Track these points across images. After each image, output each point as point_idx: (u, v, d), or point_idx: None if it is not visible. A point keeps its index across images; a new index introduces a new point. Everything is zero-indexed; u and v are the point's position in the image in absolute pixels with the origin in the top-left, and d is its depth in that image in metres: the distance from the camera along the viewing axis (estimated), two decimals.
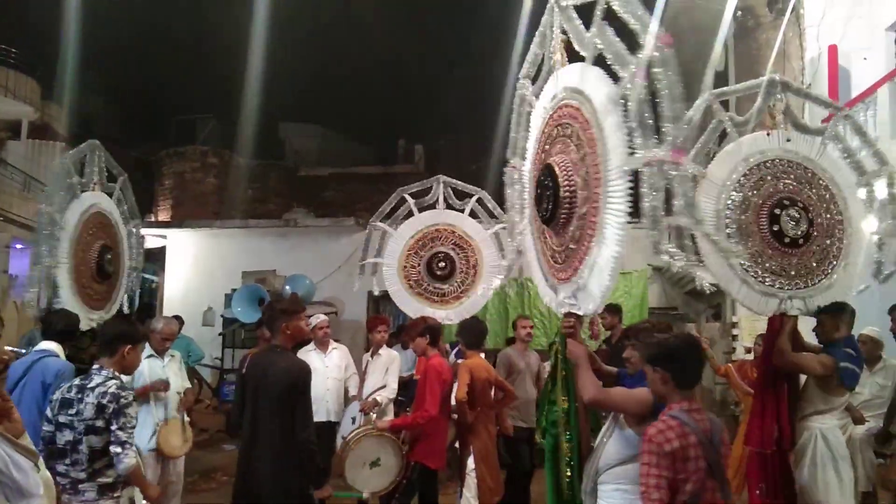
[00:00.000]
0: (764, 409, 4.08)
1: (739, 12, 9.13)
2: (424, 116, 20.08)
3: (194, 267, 13.08)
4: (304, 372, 3.73)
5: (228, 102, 17.23)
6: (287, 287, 11.55)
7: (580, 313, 3.20)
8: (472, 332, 5.17)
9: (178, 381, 5.25)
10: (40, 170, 17.25)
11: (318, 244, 12.59)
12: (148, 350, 5.14)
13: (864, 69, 8.21)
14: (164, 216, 16.96)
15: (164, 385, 4.96)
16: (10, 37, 17.60)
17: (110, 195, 6.11)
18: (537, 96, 3.72)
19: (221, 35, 18.29)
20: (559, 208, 3.19)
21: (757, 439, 4.08)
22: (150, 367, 5.09)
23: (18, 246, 16.66)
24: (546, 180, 3.27)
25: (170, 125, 19.50)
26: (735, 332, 9.36)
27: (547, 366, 4.97)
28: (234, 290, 11.40)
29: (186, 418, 5.22)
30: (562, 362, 3.35)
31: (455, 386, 4.81)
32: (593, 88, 3.05)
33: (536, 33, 3.66)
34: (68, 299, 5.38)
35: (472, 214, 6.67)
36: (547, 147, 3.46)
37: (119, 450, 3.17)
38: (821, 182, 4.09)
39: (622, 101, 2.81)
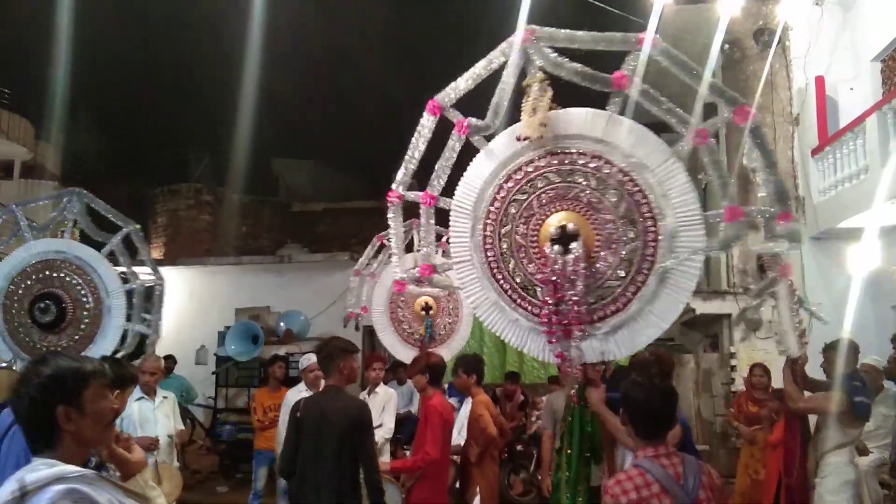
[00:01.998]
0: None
1: (727, 45, 9.27)
2: None
3: (187, 305, 12.96)
4: (365, 412, 3.69)
5: (221, 139, 17.34)
6: (281, 324, 11.44)
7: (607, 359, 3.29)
8: (478, 368, 5.15)
9: (170, 424, 5.14)
10: (32, 209, 17.17)
11: (312, 280, 12.52)
12: (138, 392, 5.03)
13: (851, 99, 8.32)
14: (157, 254, 16.86)
15: (152, 443, 4.83)
16: (4, 78, 17.70)
17: (102, 245, 5.93)
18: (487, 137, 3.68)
19: (214, 72, 18.46)
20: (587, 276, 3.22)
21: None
22: (139, 410, 4.98)
23: None
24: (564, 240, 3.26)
25: (163, 162, 19.53)
26: (733, 362, 9.30)
27: None
28: (227, 328, 11.28)
29: (176, 463, 5.10)
30: (576, 411, 3.38)
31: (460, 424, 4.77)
32: (645, 148, 3.23)
33: (508, 65, 3.53)
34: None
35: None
36: (531, 199, 3.45)
37: None
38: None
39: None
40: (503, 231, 3.49)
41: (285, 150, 20.85)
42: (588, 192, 3.29)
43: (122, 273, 5.96)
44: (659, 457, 2.47)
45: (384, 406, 5.88)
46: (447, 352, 6.37)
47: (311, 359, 6.05)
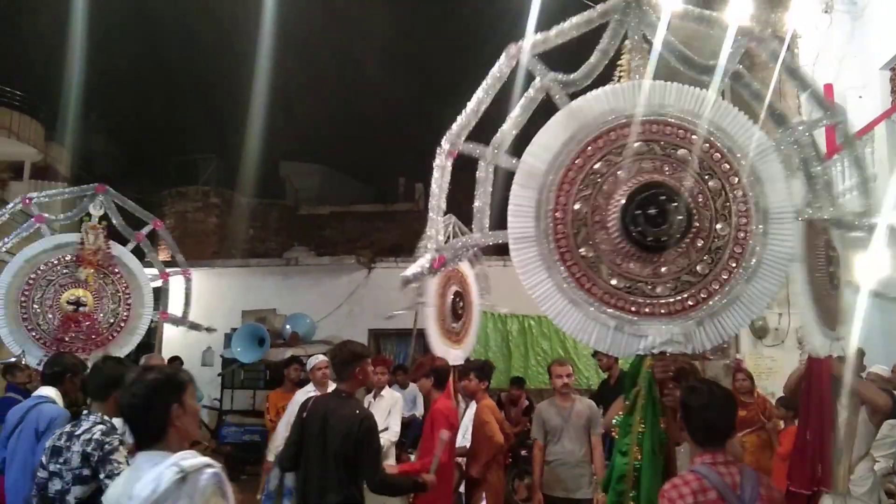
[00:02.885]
0: (805, 448, 3.91)
1: (686, 51, 9.26)
2: (424, 154, 20.20)
3: (194, 306, 12.95)
4: (367, 422, 3.62)
5: (230, 142, 17.41)
6: (287, 326, 11.48)
7: (686, 351, 2.98)
8: (485, 370, 5.18)
9: None
10: (42, 210, 17.27)
11: (319, 283, 12.56)
12: None
13: (860, 107, 8.30)
14: (164, 256, 16.94)
15: None
16: (14, 79, 17.85)
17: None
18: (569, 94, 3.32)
19: (223, 76, 18.57)
20: (686, 235, 2.99)
21: (800, 479, 3.91)
22: None
23: None
24: (667, 199, 2.95)
25: (171, 165, 19.64)
26: (744, 368, 9.26)
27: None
28: (233, 330, 11.33)
29: None
30: (648, 408, 2.97)
31: (465, 428, 4.78)
32: (738, 127, 3.12)
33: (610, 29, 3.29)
34: (6, 337, 5.44)
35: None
36: (627, 161, 3.13)
37: None
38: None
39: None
40: (583, 194, 3.11)
41: (293, 153, 20.95)
42: (688, 173, 3.08)
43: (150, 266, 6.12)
44: (717, 464, 2.41)
45: (390, 409, 5.89)
46: (462, 353, 6.26)
47: (319, 358, 6.08)
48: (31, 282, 5.72)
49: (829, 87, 8.56)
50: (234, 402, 10.98)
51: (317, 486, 3.57)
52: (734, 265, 3.01)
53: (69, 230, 6.32)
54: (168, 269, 6.45)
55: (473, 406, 5.15)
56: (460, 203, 4.18)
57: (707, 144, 3.09)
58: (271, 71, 14.87)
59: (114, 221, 6.01)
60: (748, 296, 3.01)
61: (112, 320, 5.92)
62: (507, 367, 10.09)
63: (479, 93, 3.28)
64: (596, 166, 3.12)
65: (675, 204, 2.93)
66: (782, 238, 3.04)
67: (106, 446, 3.09)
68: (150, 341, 15.31)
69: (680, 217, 2.92)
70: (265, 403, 6.91)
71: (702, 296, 3.00)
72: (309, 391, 5.83)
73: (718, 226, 3.02)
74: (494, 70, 3.27)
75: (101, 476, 3.06)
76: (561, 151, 3.15)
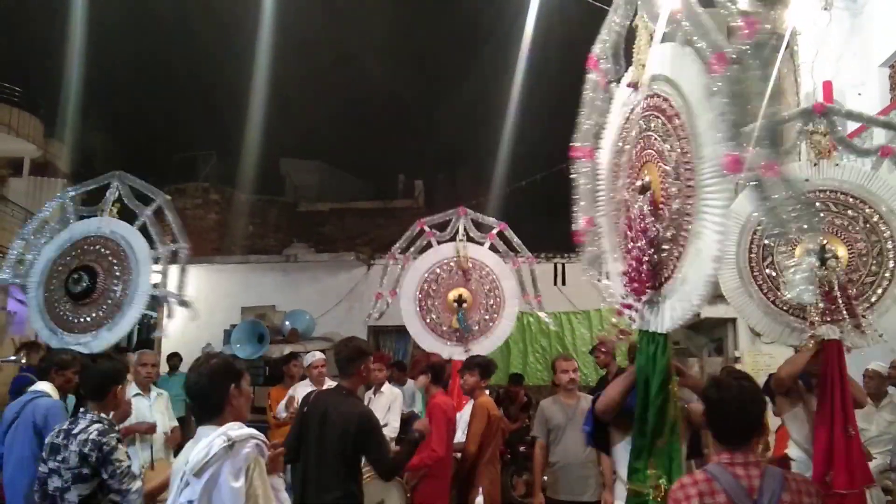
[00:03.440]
0: (849, 442, 3.79)
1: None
2: (424, 151, 20.29)
3: (193, 302, 13.01)
4: (365, 420, 3.61)
5: (230, 139, 17.41)
6: (287, 323, 11.49)
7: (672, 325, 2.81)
8: (489, 368, 5.15)
9: (165, 421, 5.20)
10: (41, 206, 17.30)
11: (318, 279, 12.57)
12: (134, 388, 5.13)
13: (859, 105, 8.30)
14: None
15: (150, 428, 4.89)
16: (14, 75, 17.85)
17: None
18: (617, 81, 3.35)
19: (223, 72, 18.55)
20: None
21: (848, 478, 3.77)
22: (136, 407, 5.05)
23: (18, 281, 16.63)
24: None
25: (171, 162, 19.64)
26: (738, 366, 9.29)
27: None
28: (233, 326, 11.34)
29: (172, 459, 5.15)
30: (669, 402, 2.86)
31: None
32: (687, 76, 2.74)
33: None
34: (35, 320, 5.49)
35: (493, 248, 6.71)
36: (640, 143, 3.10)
37: (118, 498, 3.07)
38: (858, 205, 4.07)
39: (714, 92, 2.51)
40: (621, 184, 3.25)
41: (293, 150, 20.96)
42: (658, 139, 2.93)
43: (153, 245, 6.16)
44: (734, 465, 2.21)
45: (389, 406, 5.92)
46: (480, 349, 6.27)
47: (316, 356, 6.10)
48: (59, 272, 5.76)
49: (828, 85, 8.56)
50: None
51: (315, 482, 3.57)
52: (687, 226, 2.72)
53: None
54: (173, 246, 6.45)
55: (470, 404, 5.16)
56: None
57: (666, 104, 2.90)
58: (271, 68, 14.89)
59: (126, 202, 6.08)
60: (697, 251, 2.66)
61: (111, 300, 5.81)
62: (505, 363, 10.12)
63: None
64: (622, 159, 3.27)
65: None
66: (712, 201, 2.59)
67: (104, 447, 3.08)
68: (150, 337, 15.34)
69: None
70: (266, 400, 6.92)
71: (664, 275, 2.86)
72: (307, 386, 5.84)
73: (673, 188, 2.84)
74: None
75: (105, 476, 3.08)
76: (613, 146, 3.40)
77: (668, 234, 2.82)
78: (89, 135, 19.40)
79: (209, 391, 2.51)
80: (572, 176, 3.52)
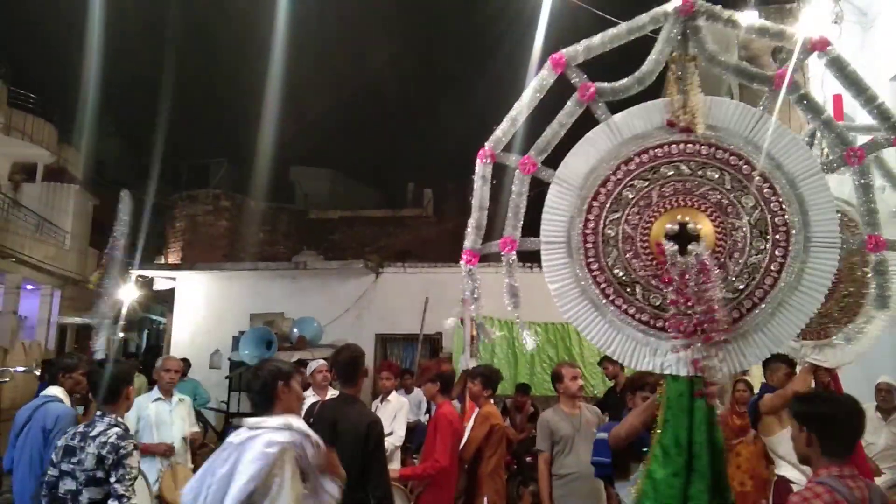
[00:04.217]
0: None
1: (744, 62, 9.27)
2: (433, 160, 20.36)
3: (203, 309, 13.10)
4: (376, 426, 3.60)
5: (241, 147, 17.56)
6: (295, 330, 11.53)
7: (719, 376, 2.81)
8: (493, 378, 5.12)
9: (185, 426, 5.24)
10: (54, 212, 17.48)
11: (327, 287, 12.61)
12: (155, 393, 5.19)
13: (869, 118, 8.28)
14: (174, 258, 17.09)
15: (168, 450, 4.94)
16: (28, 82, 18.06)
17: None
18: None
19: (235, 81, 18.71)
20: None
21: None
22: (156, 411, 5.10)
23: (29, 287, 16.77)
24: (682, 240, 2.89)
25: (183, 169, 19.80)
26: (748, 378, 9.23)
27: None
28: (241, 333, 11.40)
29: (190, 464, 5.19)
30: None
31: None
32: (786, 152, 2.96)
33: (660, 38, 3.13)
34: None
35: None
36: (653, 185, 3.04)
37: (116, 503, 3.09)
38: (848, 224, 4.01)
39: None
40: (612, 217, 3.03)
41: (303, 158, 21.11)
42: (720, 192, 2.94)
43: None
44: (844, 477, 2.27)
45: (395, 414, 5.92)
46: (474, 360, 6.27)
47: (319, 361, 6.13)
48: None
49: (838, 98, 8.55)
50: (241, 404, 11.04)
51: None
52: (770, 284, 2.86)
53: None
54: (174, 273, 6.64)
55: (475, 413, 5.16)
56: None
57: (748, 166, 2.96)
58: (283, 77, 15.00)
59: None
60: (781, 319, 2.84)
61: None
62: (512, 373, 10.10)
63: (521, 101, 3.21)
64: (625, 192, 3.05)
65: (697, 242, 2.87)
66: (821, 268, 2.84)
67: (121, 451, 3.13)
68: (159, 344, 15.43)
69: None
70: None
71: (736, 314, 2.87)
72: (309, 395, 5.83)
73: (757, 243, 2.90)
74: (535, 81, 3.19)
75: (112, 480, 3.09)
76: (596, 168, 3.10)
77: (740, 285, 2.90)
78: (102, 141, 19.61)
79: (260, 388, 2.88)
80: (480, 177, 3.38)
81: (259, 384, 2.90)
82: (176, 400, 5.26)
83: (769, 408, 4.07)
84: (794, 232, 2.87)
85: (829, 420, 2.38)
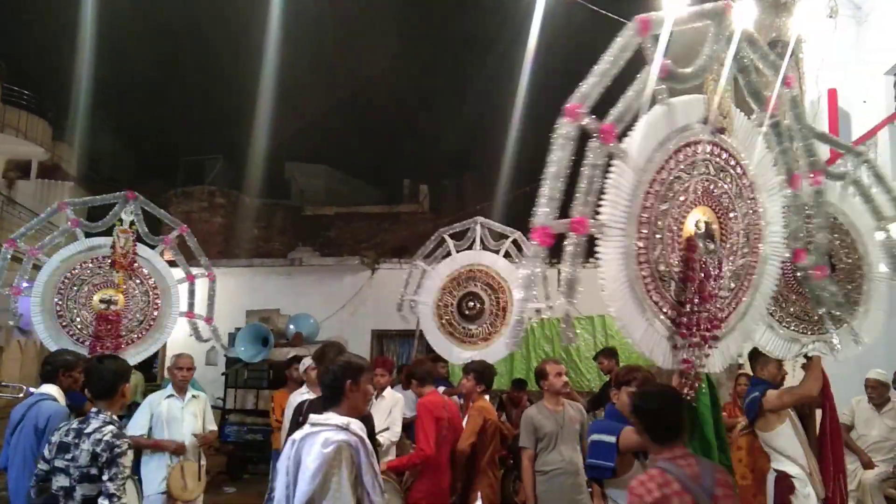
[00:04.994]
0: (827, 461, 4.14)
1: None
2: (429, 156, 20.32)
3: (198, 305, 13.04)
4: (367, 420, 3.50)
5: (236, 143, 17.51)
6: (291, 326, 11.52)
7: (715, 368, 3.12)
8: (486, 374, 5.12)
9: (197, 423, 5.23)
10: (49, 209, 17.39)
11: (323, 283, 12.60)
12: (168, 390, 5.21)
13: (864, 112, 8.31)
14: (169, 255, 17.06)
15: (179, 447, 4.97)
16: (23, 79, 17.98)
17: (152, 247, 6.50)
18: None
19: (230, 76, 18.67)
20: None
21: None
22: (168, 408, 5.13)
23: (24, 285, 16.71)
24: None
25: (178, 165, 19.74)
26: (740, 372, 9.26)
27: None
28: (237, 330, 11.38)
29: (203, 461, 5.19)
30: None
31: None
32: (769, 172, 3.38)
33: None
34: (41, 332, 5.77)
35: (507, 255, 6.85)
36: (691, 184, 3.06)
37: (106, 502, 3.05)
38: (841, 227, 4.14)
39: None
40: (662, 208, 2.93)
41: (299, 154, 21.05)
42: (729, 197, 3.19)
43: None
44: (676, 458, 2.63)
45: (391, 409, 5.91)
46: (481, 355, 6.24)
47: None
48: (66, 280, 6.01)
49: (833, 93, 8.57)
50: (237, 401, 11.03)
51: None
52: (746, 287, 3.23)
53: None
54: (193, 271, 6.98)
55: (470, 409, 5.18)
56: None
57: (727, 154, 3.22)
58: (278, 72, 14.97)
59: (139, 229, 6.40)
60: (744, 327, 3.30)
61: (141, 318, 6.22)
62: (509, 368, 10.12)
63: (602, 64, 2.80)
64: (675, 184, 3.00)
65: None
66: (770, 273, 3.38)
67: (115, 449, 3.09)
68: None
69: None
70: (270, 403, 6.95)
71: (731, 308, 3.20)
72: (303, 392, 5.81)
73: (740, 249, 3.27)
74: (619, 42, 2.84)
75: (105, 478, 3.06)
76: (655, 152, 2.93)
77: (732, 284, 3.19)
78: (97, 138, 19.53)
79: (330, 382, 2.97)
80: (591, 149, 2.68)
81: (329, 378, 2.98)
82: (189, 397, 5.27)
83: (776, 405, 4.08)
84: (764, 239, 3.28)
85: (653, 412, 2.74)
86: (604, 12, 8.64)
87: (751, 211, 3.25)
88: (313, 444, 2.74)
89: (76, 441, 3.15)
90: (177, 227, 6.58)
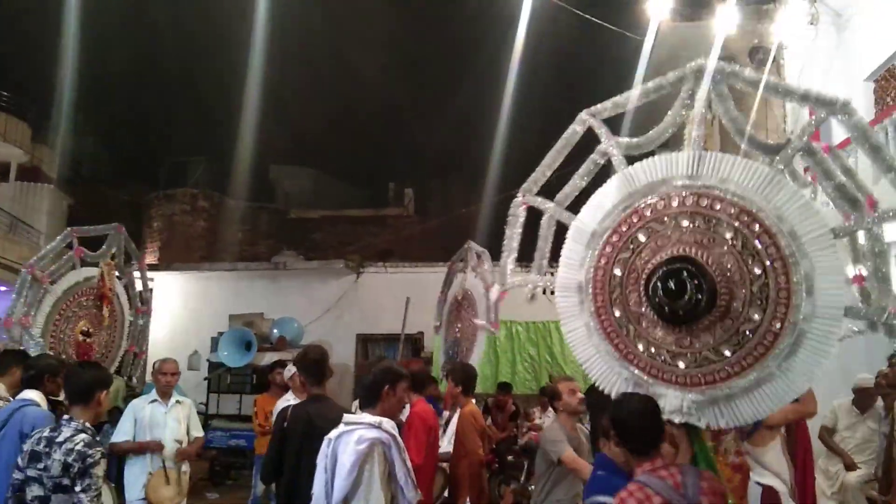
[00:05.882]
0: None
1: (722, 62, 9.36)
2: (415, 160, 20.31)
3: (181, 310, 12.95)
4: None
5: (220, 145, 17.35)
6: (275, 330, 11.43)
7: (698, 425, 2.93)
8: (467, 377, 5.10)
9: (180, 429, 5.17)
10: (28, 212, 17.17)
11: (307, 287, 12.53)
12: (152, 395, 5.15)
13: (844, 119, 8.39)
14: (151, 259, 16.86)
15: (157, 446, 4.91)
16: (1, 80, 17.73)
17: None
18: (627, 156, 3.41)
19: (213, 78, 18.53)
20: (709, 314, 2.92)
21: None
22: (151, 413, 5.06)
23: (2, 288, 16.46)
24: (689, 275, 2.90)
25: (161, 167, 19.55)
26: None
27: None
28: (220, 334, 11.28)
29: (185, 468, 5.12)
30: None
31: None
32: (798, 215, 2.88)
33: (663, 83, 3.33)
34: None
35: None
36: (667, 231, 3.12)
37: None
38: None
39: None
40: (622, 257, 3.21)
41: (284, 157, 20.92)
42: (733, 254, 2.95)
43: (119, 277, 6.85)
44: (656, 469, 2.53)
45: None
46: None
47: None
48: (61, 313, 6.16)
49: None
50: (220, 406, 10.92)
51: (307, 492, 3.50)
52: (762, 353, 2.84)
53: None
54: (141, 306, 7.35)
55: (457, 413, 5.15)
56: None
57: (758, 226, 2.92)
58: (262, 73, 14.85)
59: (119, 262, 6.73)
60: (772, 387, 2.82)
61: (104, 351, 6.46)
62: (493, 372, 10.10)
63: (552, 152, 3.59)
64: (638, 234, 3.19)
65: (697, 282, 2.88)
66: (824, 336, 2.76)
67: (87, 459, 3.00)
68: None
69: (699, 296, 2.87)
70: (253, 408, 6.89)
71: (720, 376, 2.91)
72: (289, 399, 5.75)
73: (753, 313, 2.88)
74: (567, 134, 3.55)
75: (77, 489, 2.97)
76: (610, 213, 3.30)
77: (755, 315, 2.92)
78: (77, 140, 19.27)
79: (369, 384, 3.11)
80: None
81: (368, 380, 3.12)
82: (173, 402, 5.21)
83: (778, 421, 4.13)
84: (794, 302, 2.80)
85: (625, 422, 2.66)
86: (588, 17, 8.69)
87: (743, 226, 2.93)
88: (348, 441, 2.90)
89: (47, 450, 3.05)
90: (135, 261, 7.16)
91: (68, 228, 6.59)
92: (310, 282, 12.62)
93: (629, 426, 2.65)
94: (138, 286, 7.45)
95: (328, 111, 20.95)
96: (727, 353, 2.91)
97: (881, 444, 5.28)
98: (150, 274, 13.35)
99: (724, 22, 8.03)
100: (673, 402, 2.95)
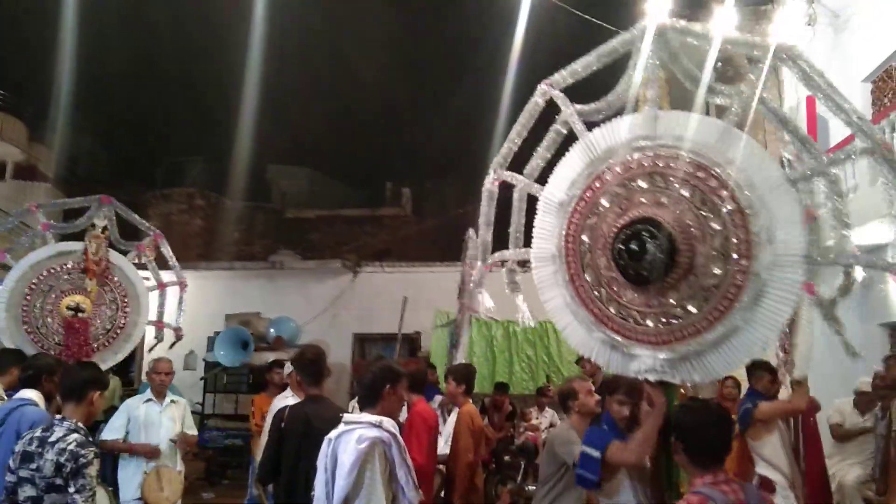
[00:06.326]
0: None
1: (719, 63, 9.36)
2: (412, 160, 20.30)
3: (177, 309, 12.87)
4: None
5: (217, 144, 17.33)
6: (272, 330, 11.41)
7: (673, 381, 3.00)
8: (467, 377, 5.09)
9: (175, 428, 5.15)
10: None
11: (304, 286, 12.51)
12: (147, 394, 5.14)
13: (842, 120, 8.40)
14: (146, 258, 16.80)
15: (153, 451, 4.89)
16: None
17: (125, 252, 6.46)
18: (588, 123, 3.47)
19: (211, 78, 18.50)
20: (672, 272, 2.92)
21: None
22: (146, 412, 5.06)
23: None
24: (649, 235, 2.92)
25: (158, 167, 19.51)
26: (734, 376, 9.32)
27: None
28: (217, 334, 11.25)
29: (180, 468, 5.11)
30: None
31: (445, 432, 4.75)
32: (754, 166, 2.90)
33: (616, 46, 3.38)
34: (6, 340, 5.65)
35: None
36: (629, 193, 3.16)
37: None
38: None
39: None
40: (588, 223, 3.27)
41: (280, 157, 20.89)
42: (692, 211, 2.96)
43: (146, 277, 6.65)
44: (719, 483, 2.34)
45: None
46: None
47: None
48: (32, 287, 5.90)
49: (811, 100, 8.67)
50: (216, 406, 10.89)
51: (306, 493, 3.40)
52: (726, 307, 2.83)
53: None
54: (165, 280, 7.00)
55: (455, 412, 5.14)
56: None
57: (714, 181, 2.92)
58: (260, 74, 14.84)
59: (111, 235, 6.31)
60: (740, 339, 2.83)
61: (108, 327, 6.14)
62: (490, 372, 10.09)
63: (516, 126, 3.72)
64: (602, 199, 3.24)
65: (657, 242, 2.88)
66: (786, 285, 2.76)
67: (80, 459, 2.97)
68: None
69: (660, 255, 2.87)
70: (249, 408, 6.87)
71: (688, 331, 2.93)
72: (286, 396, 5.74)
73: (714, 267, 2.87)
74: (528, 106, 3.65)
75: (71, 490, 2.94)
76: (576, 181, 3.36)
77: (717, 269, 2.93)
78: (74, 139, 19.24)
79: (369, 383, 3.10)
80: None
81: (368, 379, 3.10)
82: (167, 401, 5.19)
83: (766, 416, 4.38)
84: (754, 253, 2.80)
85: (692, 430, 2.44)
86: (587, 17, 8.68)
87: (700, 181, 2.94)
88: (348, 441, 2.89)
89: (39, 450, 3.02)
90: (151, 233, 6.51)
91: (28, 203, 6.39)
92: (306, 281, 12.59)
93: (694, 434, 2.43)
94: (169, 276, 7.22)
95: (325, 111, 20.96)
96: (693, 309, 2.92)
97: (878, 445, 5.28)
98: (145, 273, 13.41)
99: (722, 23, 8.03)
100: (646, 361, 3.01)
